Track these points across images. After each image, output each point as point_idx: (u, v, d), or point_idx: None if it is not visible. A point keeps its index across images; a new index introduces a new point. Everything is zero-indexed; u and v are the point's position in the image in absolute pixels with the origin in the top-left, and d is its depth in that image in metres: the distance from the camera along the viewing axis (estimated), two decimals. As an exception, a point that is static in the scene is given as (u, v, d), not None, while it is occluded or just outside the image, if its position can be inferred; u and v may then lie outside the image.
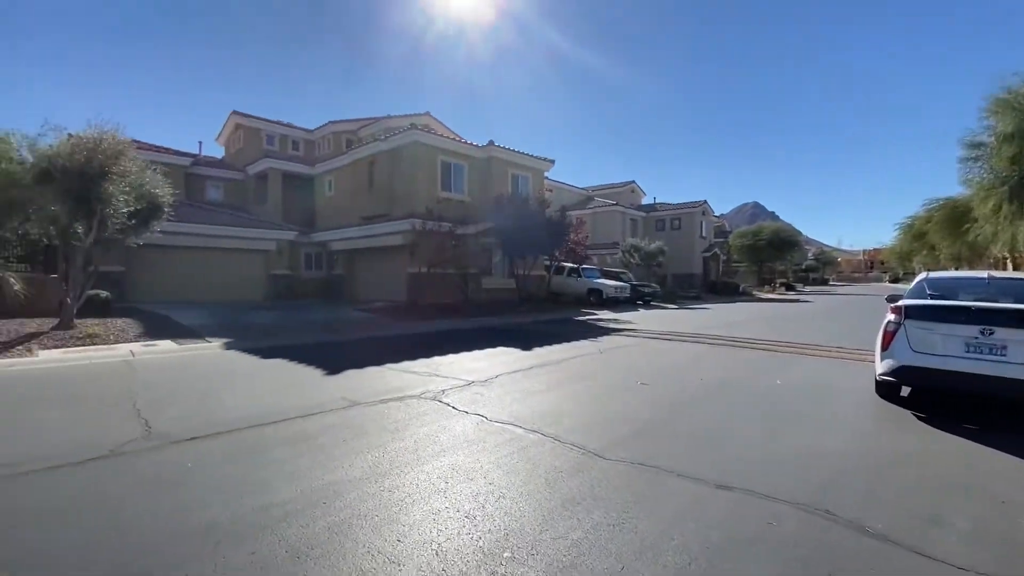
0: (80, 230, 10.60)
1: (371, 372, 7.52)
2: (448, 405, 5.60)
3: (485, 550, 2.63)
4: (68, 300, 10.68)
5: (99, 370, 7.45)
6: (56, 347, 9.00)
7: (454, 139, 23.15)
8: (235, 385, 6.75)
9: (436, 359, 8.66)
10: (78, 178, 9.49)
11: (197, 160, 25.10)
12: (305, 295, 23.22)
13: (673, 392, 6.41)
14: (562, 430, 4.69)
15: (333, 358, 8.70)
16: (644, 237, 35.14)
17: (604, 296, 23.29)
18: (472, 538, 2.74)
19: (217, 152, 30.91)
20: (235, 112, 27.19)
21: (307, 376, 7.26)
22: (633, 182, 45.33)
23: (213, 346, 9.89)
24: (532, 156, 24.04)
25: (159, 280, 18.72)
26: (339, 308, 18.11)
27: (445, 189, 21.26)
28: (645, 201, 46.63)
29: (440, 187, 21.06)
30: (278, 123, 27.57)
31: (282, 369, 7.81)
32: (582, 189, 42.43)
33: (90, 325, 10.57)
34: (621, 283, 24.89)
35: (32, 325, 10.41)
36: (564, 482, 3.51)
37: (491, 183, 22.13)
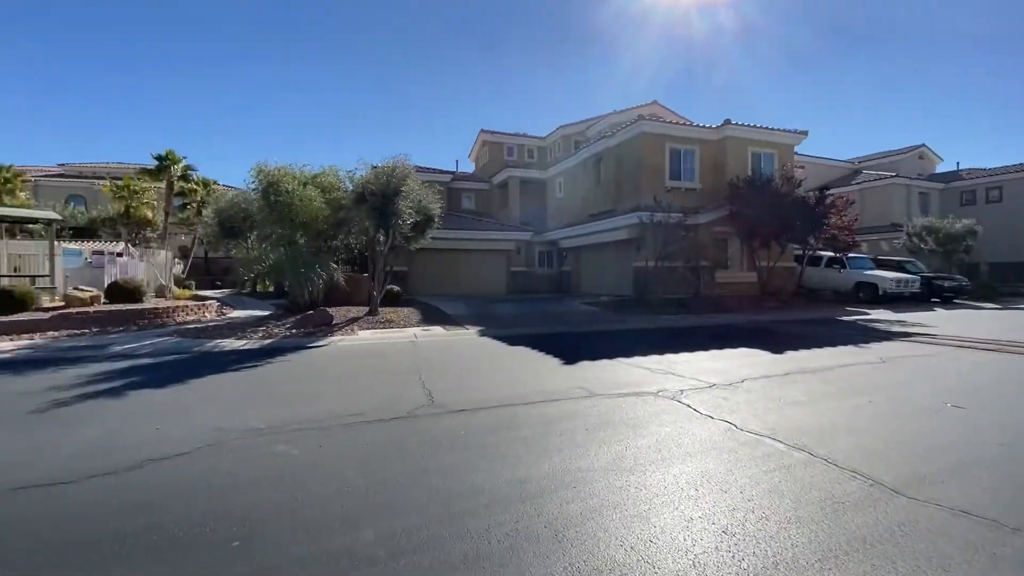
0: (380, 239, 13.66)
1: (604, 364, 7.66)
2: (689, 407, 5.28)
3: (751, 573, 2.35)
4: (374, 293, 13.92)
5: (394, 348, 9.47)
6: (368, 328, 11.82)
7: (683, 124, 21.87)
8: (489, 366, 7.72)
9: (669, 356, 8.31)
10: (380, 198, 12.25)
11: (455, 176, 29.72)
12: (538, 290, 25.21)
13: (1005, 421, 4.72)
14: (838, 452, 3.92)
15: (567, 348, 9.19)
16: (945, 215, 27.05)
17: (880, 291, 18.86)
18: (733, 557, 2.49)
19: (469, 167, 36.05)
20: (483, 131, 31.20)
21: (546, 364, 7.82)
22: (922, 146, 35.38)
23: (470, 332, 11.56)
24: (777, 130, 21.00)
25: (429, 277, 22.85)
26: (567, 301, 19.07)
27: (674, 178, 20.28)
28: (941, 168, 35.90)
29: (668, 176, 20.17)
30: (516, 135, 30.58)
31: (525, 355, 8.61)
32: (846, 162, 35.14)
33: (387, 312, 13.57)
34: (906, 275, 19.73)
35: (353, 311, 13.89)
36: (847, 516, 2.91)
37: (726, 166, 20.19)
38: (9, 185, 26.47)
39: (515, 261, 24.99)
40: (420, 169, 25.50)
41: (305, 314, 12.08)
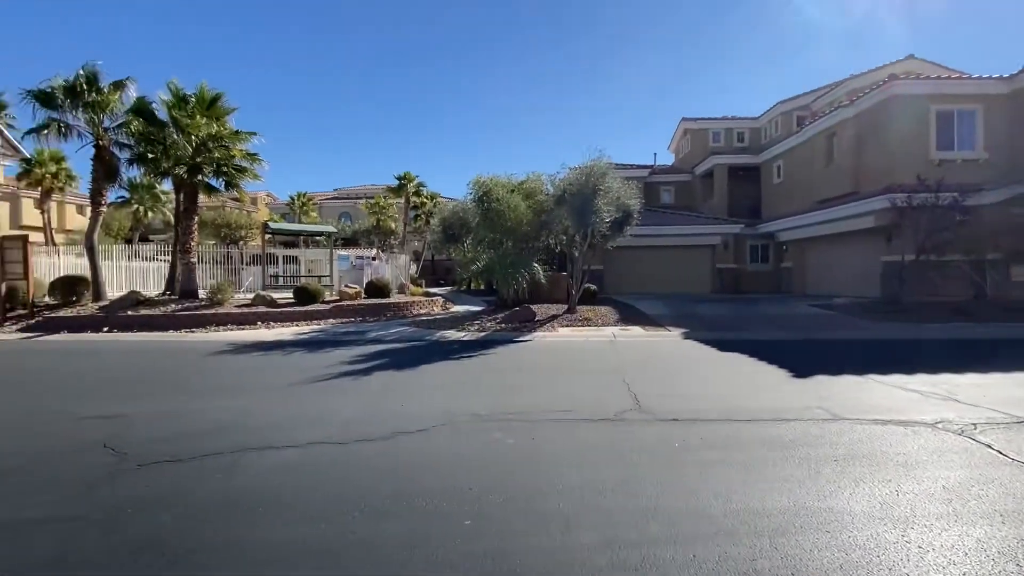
0: (578, 238, 13.89)
1: (849, 382, 6.33)
2: (989, 448, 3.96)
3: None
4: (572, 291, 14.24)
5: (594, 347, 9.49)
6: (567, 326, 12.12)
7: (954, 78, 16.92)
8: (698, 373, 7.10)
9: (947, 377, 6.44)
10: (579, 198, 12.44)
11: (653, 170, 28.58)
12: (750, 289, 22.53)
13: None
14: None
15: (795, 359, 7.89)
16: None
17: None
18: None
19: (668, 159, 34.31)
20: (684, 119, 29.30)
21: (769, 375, 6.84)
22: None
23: (673, 334, 10.89)
24: None
25: (625, 275, 22.43)
26: (790, 303, 16.52)
27: (943, 148, 15.89)
28: None
29: (934, 146, 15.90)
30: (722, 119, 27.85)
31: (740, 364, 7.69)
32: None
33: (585, 311, 13.73)
34: None
35: (553, 309, 14.45)
36: None
37: (1033, 125, 14.91)
38: (305, 207, 35.00)
39: (721, 257, 22.79)
40: (617, 166, 25.23)
41: (512, 310, 13.02)
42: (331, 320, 13.81)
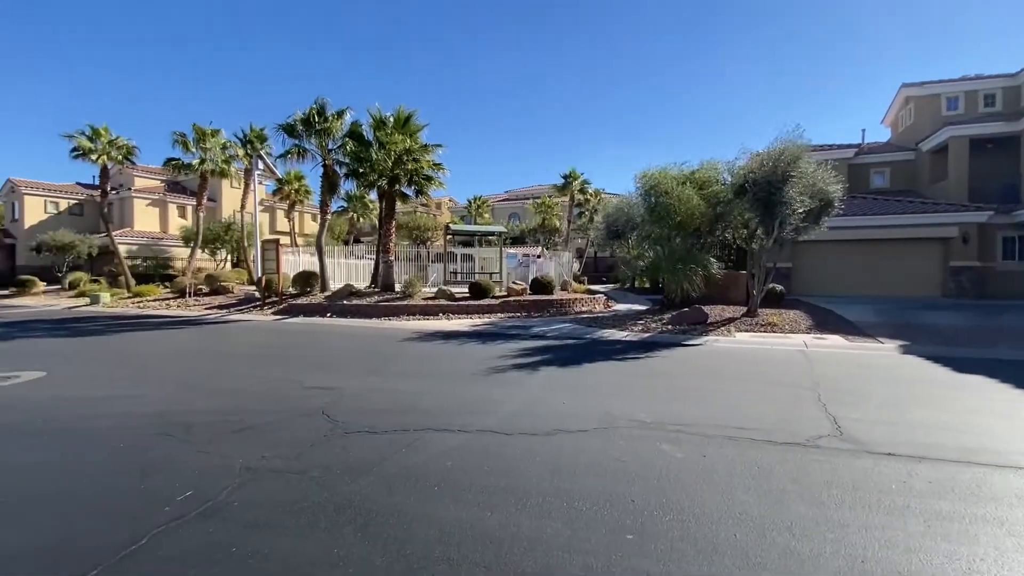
0: (761, 232, 12.37)
1: None
2: None
3: None
4: (753, 292, 12.76)
5: (779, 356, 8.34)
6: (745, 331, 10.90)
7: None
8: (921, 398, 5.72)
9: None
10: (765, 187, 11.05)
11: (860, 149, 24.01)
12: (1002, 293, 17.49)
13: None
14: None
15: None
16: None
17: None
18: None
19: (882, 136, 28.49)
20: (904, 85, 23.94)
21: (1040, 411, 5.17)
22: None
23: (886, 348, 8.99)
24: None
25: (818, 274, 19.30)
26: (1077, 315, 12.34)
27: None
28: None
29: None
30: (962, 79, 22.03)
31: (986, 390, 5.98)
32: None
33: (768, 314, 12.18)
34: None
35: (728, 311, 13.14)
36: None
37: None
38: (480, 209, 37.89)
39: (959, 252, 18.09)
40: (814, 148, 21.85)
41: (680, 311, 12.21)
42: (499, 314, 14.71)
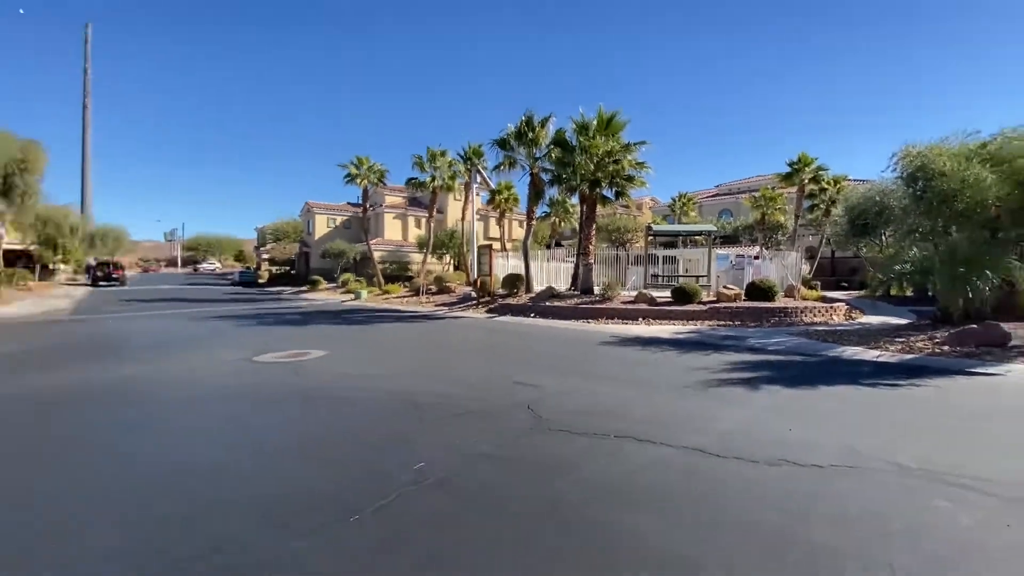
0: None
1: None
2: None
3: None
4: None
5: None
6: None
7: None
8: None
9: None
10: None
11: None
12: None
13: None
14: None
15: None
16: None
17: None
18: None
19: None
20: None
21: None
22: None
23: None
24: None
25: None
26: None
27: None
28: None
29: None
30: None
31: None
32: None
33: None
34: None
35: (1047, 330, 9.54)
36: None
37: None
38: (685, 207, 35.67)
39: None
40: None
41: (962, 328, 9.35)
42: (706, 321, 13.50)
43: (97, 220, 42.02)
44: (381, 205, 42.64)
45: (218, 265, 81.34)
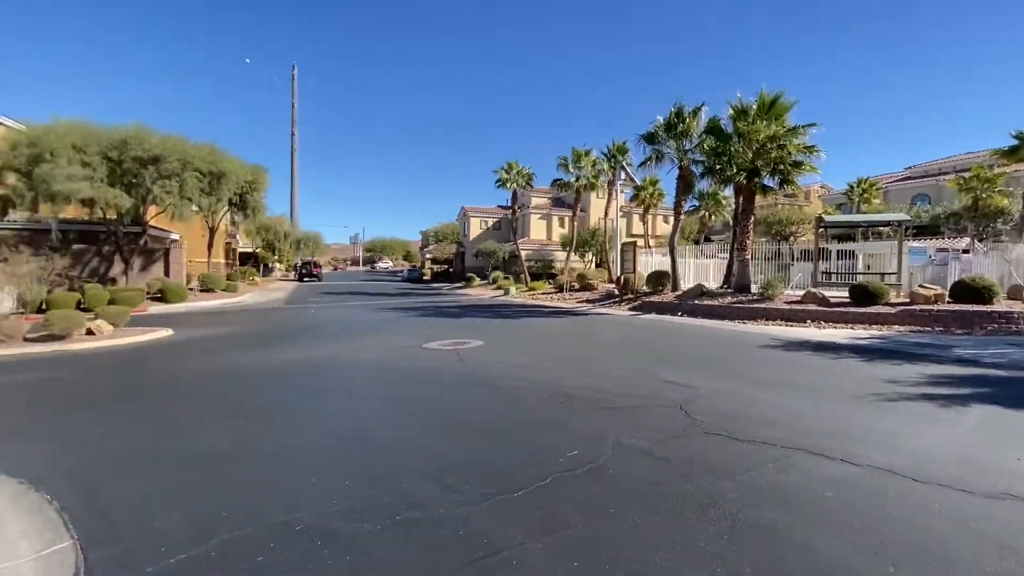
0: None
1: None
2: None
3: None
4: None
5: None
6: None
7: None
8: None
9: None
10: None
11: None
12: None
13: None
14: None
15: None
16: None
17: None
18: None
19: None
20: None
21: None
22: None
23: None
24: None
25: None
26: None
27: None
28: None
29: None
30: None
31: None
32: None
33: None
34: None
35: None
36: None
37: None
38: (865, 195, 30.73)
39: None
40: None
41: None
42: (896, 326, 11.54)
43: (301, 227, 51.15)
44: (527, 206, 44.36)
45: (390, 264, 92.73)
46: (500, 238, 44.89)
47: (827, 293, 13.99)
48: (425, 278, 51.05)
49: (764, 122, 15.25)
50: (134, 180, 18.04)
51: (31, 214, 19.38)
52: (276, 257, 45.53)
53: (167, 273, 22.18)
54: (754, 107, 15.85)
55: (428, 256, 61.46)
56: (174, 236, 22.84)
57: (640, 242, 27.19)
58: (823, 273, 16.95)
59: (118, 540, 2.78)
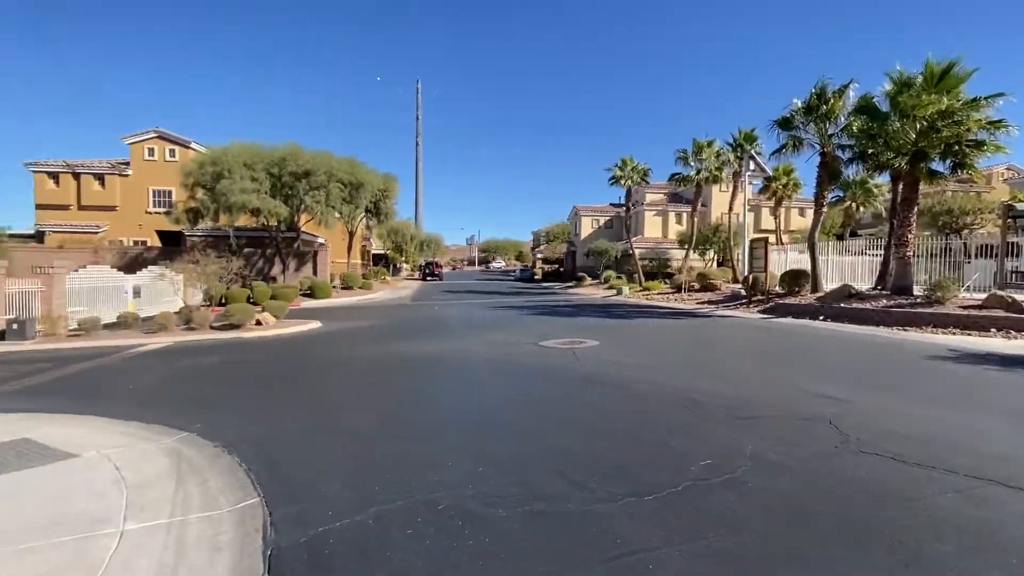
0: None
1: None
2: None
3: None
4: None
5: None
6: None
7: None
8: None
9: None
10: None
11: None
12: None
13: None
14: None
15: None
16: None
17: None
18: None
19: None
20: None
21: None
22: None
23: None
24: None
25: None
26: None
27: None
28: None
29: None
30: None
31: None
32: None
33: None
34: None
35: None
36: None
37: None
38: (1077, 175, 24.75)
39: None
40: None
41: None
42: None
43: (424, 230, 55.17)
44: (641, 203, 42.90)
45: (503, 264, 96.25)
46: (612, 237, 43.94)
47: (1019, 296, 11.53)
48: (536, 278, 51.80)
49: (934, 95, 12.99)
50: (290, 192, 20.85)
51: (213, 223, 23.29)
52: (403, 258, 49.58)
53: (315, 272, 25.25)
54: (919, 80, 13.58)
55: (539, 256, 62.27)
56: (320, 240, 25.92)
57: (771, 238, 24.83)
58: (1013, 272, 14.03)
59: (294, 501, 3.24)
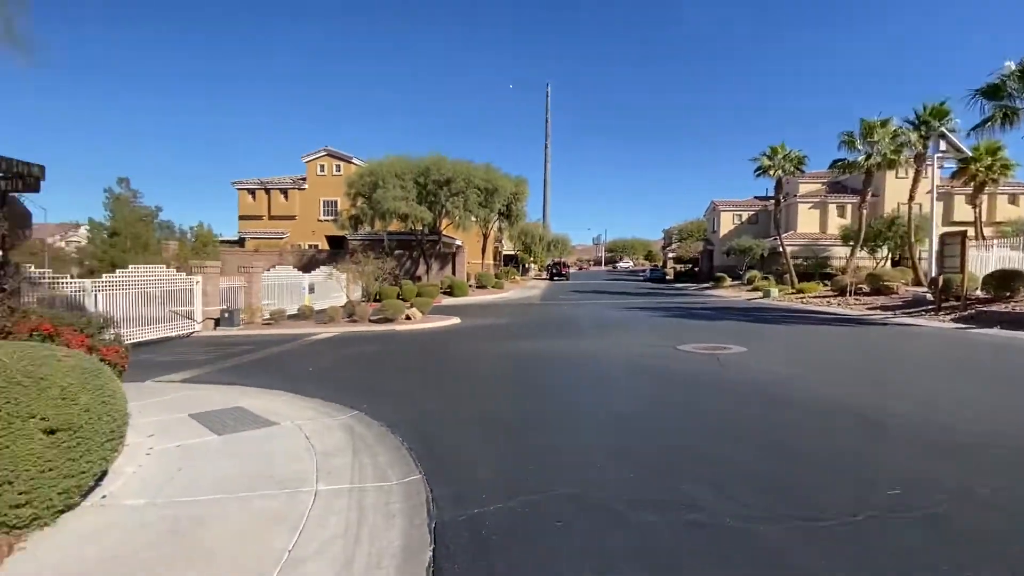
0: None
1: None
2: None
3: None
4: None
5: None
6: None
7: None
8: None
9: None
10: None
11: None
12: None
13: None
14: None
15: None
16: None
17: None
18: None
19: None
20: None
21: None
22: None
23: None
24: None
25: None
26: None
27: None
28: None
29: None
30: None
31: None
32: None
33: None
34: None
35: None
36: None
37: None
38: None
39: None
40: None
41: None
42: None
43: (551, 231, 56.11)
44: (794, 195, 38.35)
45: (631, 264, 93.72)
46: (756, 233, 39.90)
47: None
48: (668, 278, 49.32)
49: None
50: (433, 198, 22.66)
51: (370, 228, 26.21)
52: (531, 258, 50.94)
53: (454, 272, 27.11)
54: None
55: (671, 255, 59.14)
56: (458, 242, 27.75)
57: (970, 232, 20.47)
58: None
59: (451, 481, 3.50)
